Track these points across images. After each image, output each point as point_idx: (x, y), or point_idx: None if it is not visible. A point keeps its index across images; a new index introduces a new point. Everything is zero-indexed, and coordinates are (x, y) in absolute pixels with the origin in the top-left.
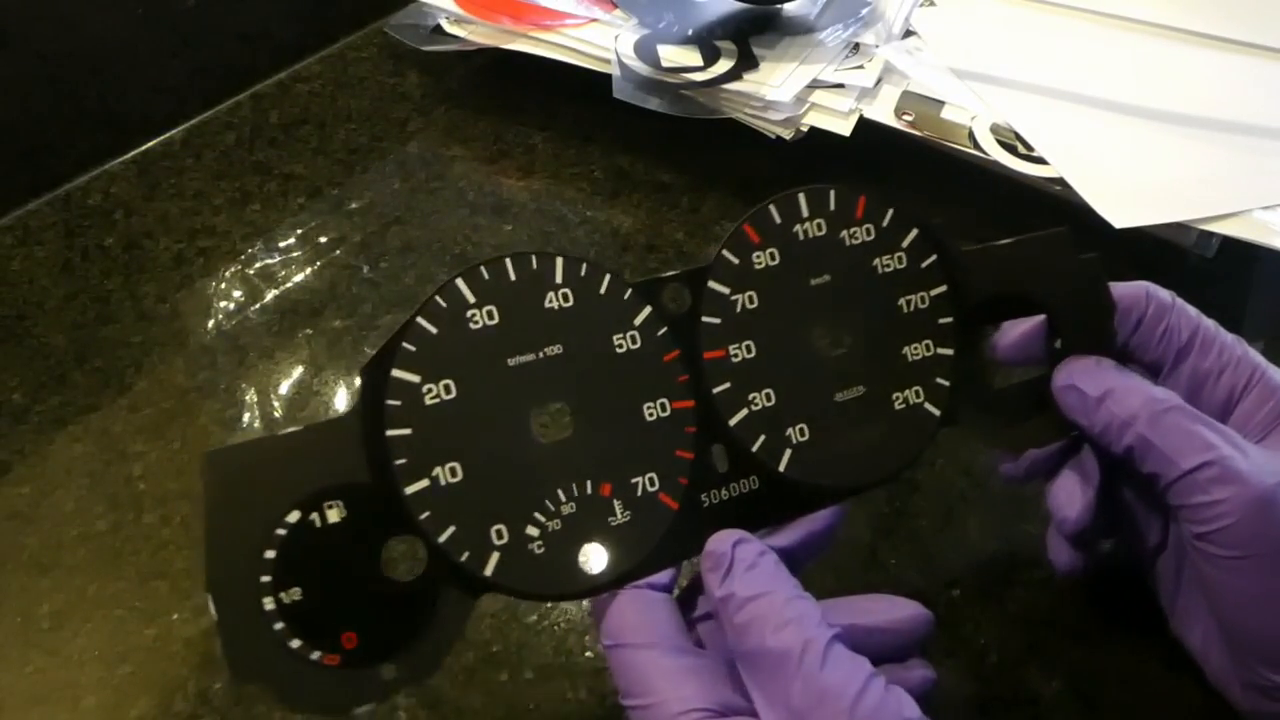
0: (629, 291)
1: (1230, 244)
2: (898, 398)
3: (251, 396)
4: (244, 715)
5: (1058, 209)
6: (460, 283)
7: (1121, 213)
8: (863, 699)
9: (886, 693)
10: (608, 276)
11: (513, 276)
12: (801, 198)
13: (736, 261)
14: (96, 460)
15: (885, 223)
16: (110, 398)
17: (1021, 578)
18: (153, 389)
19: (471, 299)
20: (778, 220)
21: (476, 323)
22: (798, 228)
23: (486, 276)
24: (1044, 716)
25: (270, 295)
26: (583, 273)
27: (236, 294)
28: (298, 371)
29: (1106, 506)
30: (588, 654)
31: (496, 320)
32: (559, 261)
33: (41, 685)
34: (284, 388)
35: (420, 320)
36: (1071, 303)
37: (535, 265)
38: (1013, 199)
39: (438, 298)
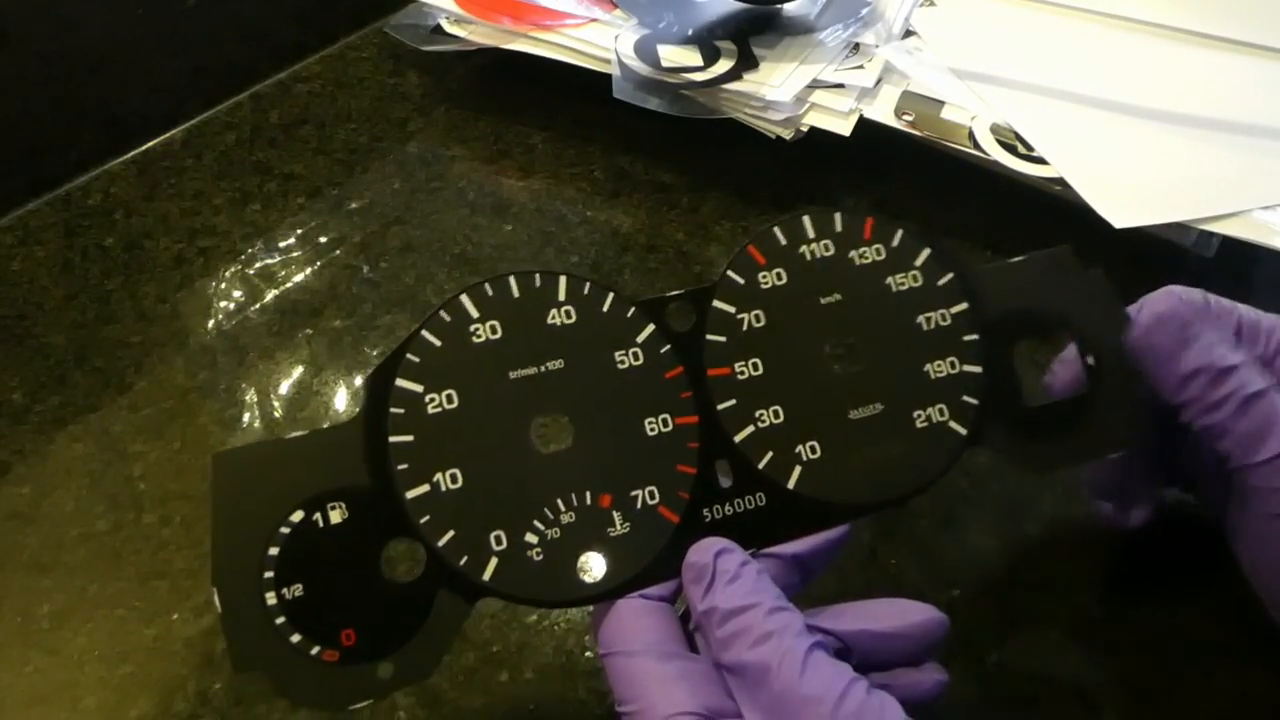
0: (632, 310)
1: (1230, 244)
2: (919, 415)
3: (251, 396)
4: (244, 715)
5: (1058, 209)
6: (464, 298)
7: (1121, 213)
8: (843, 705)
9: (869, 696)
10: (610, 295)
11: (516, 293)
12: (806, 220)
13: (742, 282)
14: (96, 460)
15: (895, 243)
16: (110, 398)
17: (1022, 578)
18: (153, 389)
19: (475, 314)
20: (783, 242)
21: (479, 336)
22: (804, 249)
23: (490, 292)
24: (1044, 716)
25: (270, 295)
26: (585, 291)
27: (236, 294)
28: (298, 371)
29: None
30: (587, 654)
31: (499, 335)
32: (562, 280)
33: (41, 685)
34: (284, 388)
35: (425, 333)
36: (1089, 318)
37: (539, 283)
38: (1013, 199)
39: (442, 312)
